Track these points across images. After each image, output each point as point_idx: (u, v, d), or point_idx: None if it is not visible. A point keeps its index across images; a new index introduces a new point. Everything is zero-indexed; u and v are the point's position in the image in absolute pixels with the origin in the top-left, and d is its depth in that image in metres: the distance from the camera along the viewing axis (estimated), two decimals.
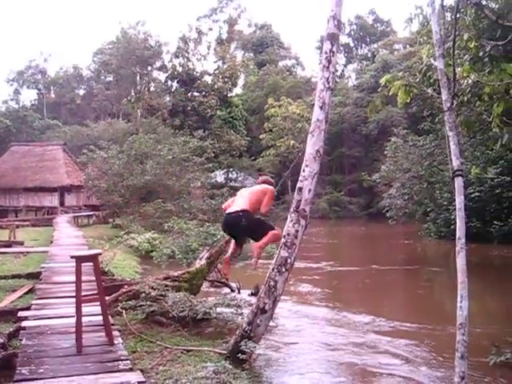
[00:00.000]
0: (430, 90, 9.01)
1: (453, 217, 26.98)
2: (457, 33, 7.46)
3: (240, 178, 56.12)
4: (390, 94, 8.55)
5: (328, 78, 8.31)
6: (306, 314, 13.43)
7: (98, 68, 79.51)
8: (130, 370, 5.86)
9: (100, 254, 7.39)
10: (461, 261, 4.67)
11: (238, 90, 75.10)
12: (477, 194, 32.25)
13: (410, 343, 10.42)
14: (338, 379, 8.82)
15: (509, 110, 8.11)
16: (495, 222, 31.71)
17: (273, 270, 7.71)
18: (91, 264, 6.95)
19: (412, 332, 11.38)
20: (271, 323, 9.94)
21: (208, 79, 66.04)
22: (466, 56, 9.56)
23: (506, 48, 10.05)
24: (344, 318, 12.90)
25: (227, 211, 7.98)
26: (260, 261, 7.84)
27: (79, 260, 6.77)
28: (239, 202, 8.00)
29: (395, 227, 34.97)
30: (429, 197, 29.35)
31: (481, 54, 8.96)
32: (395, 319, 12.41)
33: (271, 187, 8.39)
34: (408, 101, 8.20)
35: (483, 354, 5.73)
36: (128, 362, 6.10)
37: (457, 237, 4.82)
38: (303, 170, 7.96)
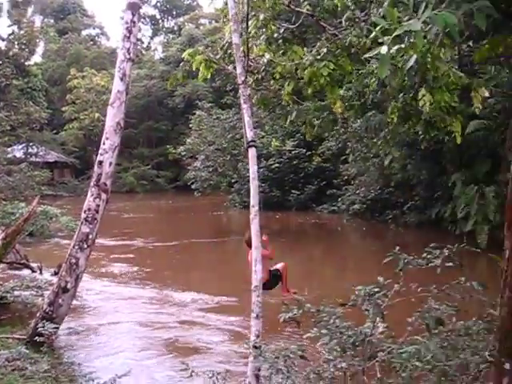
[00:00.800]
0: (230, 67, 9.29)
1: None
2: (254, 13, 7.78)
3: (41, 153, 52.60)
4: (194, 68, 8.60)
5: (129, 49, 8.11)
6: (124, 294, 13.21)
7: None
8: None
9: None
10: (255, 227, 4.94)
11: (37, 59, 69.64)
12: (277, 165, 34.36)
13: (234, 317, 10.86)
14: (154, 355, 8.89)
15: (297, 89, 8.72)
16: (293, 191, 34.22)
17: (73, 246, 7.44)
18: None
19: (234, 306, 11.79)
20: (77, 302, 9.62)
21: (1, 45, 60.34)
22: (263, 36, 10.01)
23: (298, 31, 10.69)
24: (166, 296, 12.93)
25: None
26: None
27: None
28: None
29: (202, 199, 35.76)
30: (232, 168, 30.44)
31: (275, 35, 9.38)
32: (217, 294, 12.79)
33: None
34: (209, 76, 8.32)
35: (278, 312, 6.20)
36: None
37: (250, 204, 5.08)
38: (103, 143, 7.74)
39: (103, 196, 7.52)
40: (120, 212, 34.20)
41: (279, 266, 11.15)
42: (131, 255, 19.42)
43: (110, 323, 10.50)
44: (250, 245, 8.68)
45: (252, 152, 5.16)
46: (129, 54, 8.11)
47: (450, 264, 4.32)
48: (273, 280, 10.90)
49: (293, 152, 34.36)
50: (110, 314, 11.25)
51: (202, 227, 29.38)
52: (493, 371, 3.62)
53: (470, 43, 15.18)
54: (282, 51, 8.79)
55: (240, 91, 5.50)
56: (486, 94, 6.51)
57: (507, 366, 3.42)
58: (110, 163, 7.66)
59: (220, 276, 15.89)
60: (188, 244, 21.97)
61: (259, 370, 5.33)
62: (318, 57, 7.23)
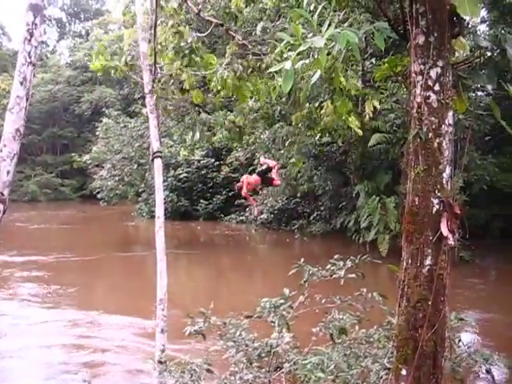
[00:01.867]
0: (135, 76, 9.11)
1: (163, 196, 28.02)
2: (163, 19, 7.67)
3: None
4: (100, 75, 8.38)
5: (30, 52, 7.66)
6: (37, 317, 12.52)
7: None
8: None
9: None
10: (160, 239, 4.85)
11: None
12: (185, 174, 34.17)
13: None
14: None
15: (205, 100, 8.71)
16: (201, 201, 34.16)
17: None
18: None
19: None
20: None
21: None
22: (171, 45, 9.93)
23: (208, 41, 10.71)
24: (85, 318, 12.40)
25: None
26: None
27: None
28: None
29: (109, 209, 34.87)
30: (140, 178, 29.89)
31: (183, 44, 9.31)
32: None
33: None
34: (115, 78, 8.11)
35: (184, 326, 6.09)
36: None
37: (156, 216, 4.98)
38: (1, 151, 7.29)
39: (0, 207, 7.10)
40: (24, 223, 32.59)
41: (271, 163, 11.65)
42: (43, 272, 18.27)
43: (21, 348, 9.99)
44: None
45: (157, 163, 5.06)
46: (30, 57, 7.67)
47: (353, 275, 4.44)
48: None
49: (201, 162, 34.33)
50: (20, 338, 10.70)
51: (114, 239, 28.50)
52: (391, 377, 3.74)
53: (373, 60, 15.85)
54: (185, 62, 8.73)
55: (146, 101, 5.40)
56: (377, 105, 6.85)
57: (403, 371, 3.55)
58: (8, 172, 7.19)
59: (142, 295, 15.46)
60: (105, 258, 21.16)
61: None
62: (233, 73, 7.24)
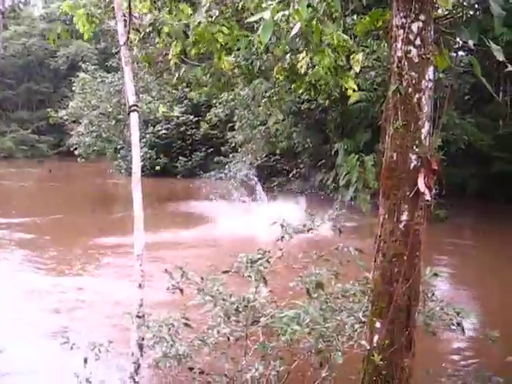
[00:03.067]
0: (113, 24, 8.84)
1: (141, 153, 27.79)
2: None
3: None
4: (76, 23, 8.09)
5: None
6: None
7: None
8: None
9: None
10: (137, 195, 4.79)
11: None
12: (164, 131, 33.88)
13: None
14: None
15: (185, 50, 8.49)
16: (180, 158, 33.99)
17: None
18: None
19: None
20: None
21: None
22: None
23: None
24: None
25: None
26: None
27: None
28: None
29: (87, 165, 34.50)
30: (118, 134, 29.53)
31: None
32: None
33: None
34: (90, 33, 7.87)
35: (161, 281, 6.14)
36: None
37: (133, 171, 4.91)
38: None
39: None
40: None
41: None
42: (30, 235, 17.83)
43: None
44: None
45: (134, 117, 4.96)
46: None
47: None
48: None
49: (180, 118, 33.99)
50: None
51: (94, 196, 28.18)
52: (366, 330, 3.81)
53: (355, 17, 15.65)
54: (168, 9, 8.52)
55: (121, 52, 5.24)
56: (361, 58, 6.76)
57: (378, 324, 3.62)
58: None
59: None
60: (87, 217, 20.90)
61: (143, 339, 5.25)
62: (210, 19, 7.07)
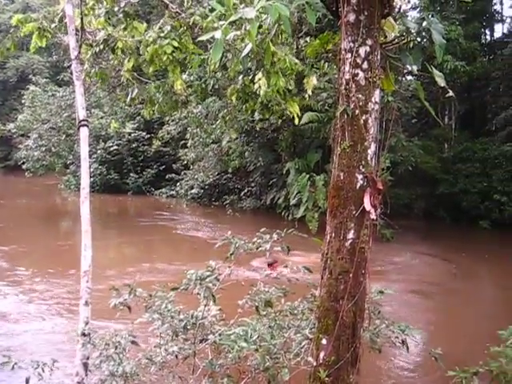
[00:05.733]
0: (66, 39, 8.75)
1: (92, 169, 27.37)
2: None
3: None
4: (23, 35, 7.96)
5: None
6: None
7: None
8: None
9: None
10: (85, 210, 4.73)
11: None
12: (115, 147, 33.47)
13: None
14: None
15: (138, 66, 8.48)
16: (131, 175, 33.64)
17: None
18: None
19: None
20: None
21: None
22: (102, 9, 9.58)
23: (142, 10, 10.42)
24: None
25: None
26: None
27: None
28: None
29: (35, 180, 33.60)
30: (68, 149, 28.99)
31: (116, 8, 9.05)
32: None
33: None
34: (43, 45, 7.77)
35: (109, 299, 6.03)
36: None
37: (81, 186, 4.85)
38: None
39: None
40: None
41: None
42: None
43: None
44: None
45: (84, 132, 4.92)
46: None
47: (279, 248, 4.51)
48: None
49: (132, 135, 33.73)
50: None
51: (41, 213, 27.40)
52: (312, 347, 3.86)
53: (307, 39, 15.97)
54: (123, 26, 8.51)
55: (73, 67, 5.20)
56: (315, 82, 6.92)
57: (324, 341, 3.67)
58: None
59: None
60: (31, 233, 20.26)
61: (88, 358, 5.15)
62: (162, 34, 7.11)
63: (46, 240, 19.23)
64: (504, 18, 31.28)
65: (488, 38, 31.87)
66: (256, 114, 9.39)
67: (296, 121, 7.80)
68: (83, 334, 4.97)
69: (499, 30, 32.27)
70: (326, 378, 3.62)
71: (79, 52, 5.20)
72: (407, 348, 4.71)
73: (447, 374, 3.80)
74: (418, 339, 5.15)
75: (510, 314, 10.97)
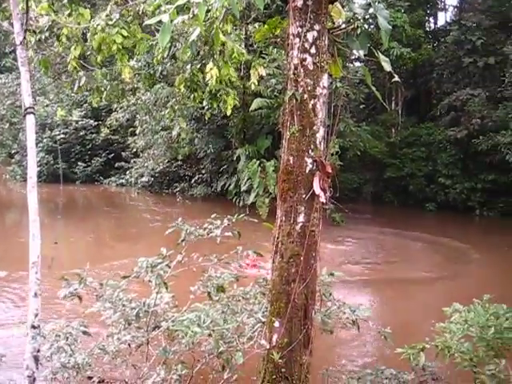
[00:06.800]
0: (6, 24, 8.45)
1: (38, 158, 26.66)
2: None
3: None
4: None
5: None
6: None
7: None
8: None
9: None
10: (32, 199, 4.60)
11: None
12: (62, 136, 32.61)
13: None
14: None
15: (85, 54, 8.29)
16: (79, 164, 32.91)
17: None
18: None
19: None
20: None
21: None
22: None
23: None
24: None
25: None
26: None
27: None
28: None
29: None
30: (12, 138, 28.09)
31: None
32: None
33: None
34: None
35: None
36: None
37: (28, 176, 4.71)
38: None
39: None
40: None
41: None
42: None
43: None
44: None
45: (30, 120, 4.77)
46: None
47: (230, 234, 4.53)
48: None
49: (80, 122, 32.92)
50: None
51: None
52: (265, 330, 3.91)
53: (256, 25, 15.91)
54: (67, 12, 8.28)
55: (17, 53, 5.02)
56: (263, 73, 6.94)
57: (276, 324, 3.72)
58: None
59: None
60: None
61: (38, 350, 5.05)
62: (110, 22, 6.94)
63: None
64: (447, 6, 32.12)
65: (432, 25, 32.66)
66: (204, 102, 9.31)
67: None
68: (33, 327, 4.87)
69: (442, 18, 33.08)
70: (280, 360, 3.68)
71: (24, 37, 5.02)
72: (358, 328, 4.82)
73: (396, 352, 3.92)
74: (368, 319, 5.29)
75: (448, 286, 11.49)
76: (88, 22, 7.72)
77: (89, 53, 8.51)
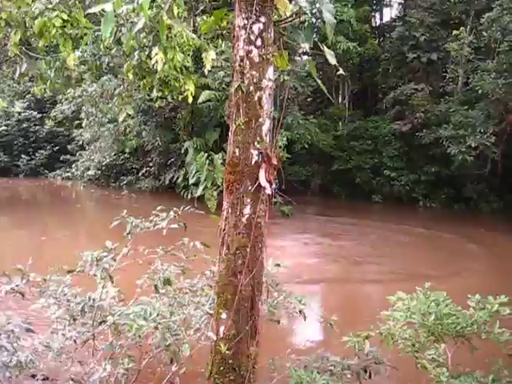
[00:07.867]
0: None
1: None
2: None
3: None
4: None
5: None
6: None
7: None
8: None
9: None
10: None
11: None
12: (4, 128, 31.68)
13: None
14: None
15: (28, 39, 8.03)
16: (23, 156, 32.02)
17: None
18: None
19: None
20: None
21: None
22: None
23: None
24: None
25: None
26: None
27: None
28: None
29: None
30: None
31: None
32: None
33: None
34: None
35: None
36: None
37: None
38: None
39: None
40: None
41: None
42: None
43: None
44: None
45: None
46: None
47: (176, 226, 4.50)
48: None
49: (22, 114, 32.01)
50: None
51: None
52: (212, 322, 3.91)
53: (204, 17, 15.81)
54: None
55: None
56: (214, 57, 6.89)
57: (224, 315, 3.74)
58: None
59: None
60: None
61: None
62: (50, 6, 6.75)
63: None
64: (392, 3, 32.81)
65: (378, 21, 33.30)
66: (154, 91, 9.15)
67: (190, 99, 7.73)
68: None
69: (388, 14, 33.85)
70: (227, 352, 3.70)
71: None
72: (304, 317, 4.89)
73: (341, 340, 4.00)
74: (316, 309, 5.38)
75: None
76: (28, 6, 7.49)
77: (32, 39, 8.26)
